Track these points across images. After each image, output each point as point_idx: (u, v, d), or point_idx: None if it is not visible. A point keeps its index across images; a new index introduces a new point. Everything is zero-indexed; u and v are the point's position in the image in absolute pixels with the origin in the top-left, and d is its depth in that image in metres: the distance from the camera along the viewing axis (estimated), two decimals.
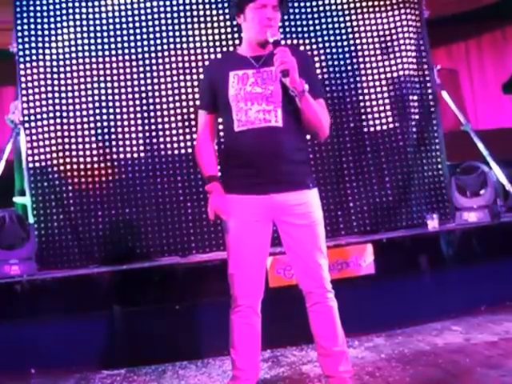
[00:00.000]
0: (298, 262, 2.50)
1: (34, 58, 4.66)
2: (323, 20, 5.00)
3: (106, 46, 4.73)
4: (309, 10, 4.99)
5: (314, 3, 5.00)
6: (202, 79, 2.78)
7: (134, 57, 4.76)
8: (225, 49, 4.79)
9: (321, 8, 5.01)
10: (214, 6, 4.85)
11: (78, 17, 4.72)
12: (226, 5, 4.78)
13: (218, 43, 4.83)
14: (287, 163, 2.44)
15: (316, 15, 4.99)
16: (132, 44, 4.77)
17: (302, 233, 2.46)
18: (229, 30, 4.84)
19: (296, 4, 4.98)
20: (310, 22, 4.99)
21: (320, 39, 4.98)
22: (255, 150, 2.42)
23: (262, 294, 2.53)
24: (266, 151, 2.41)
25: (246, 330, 2.51)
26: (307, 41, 4.96)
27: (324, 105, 2.56)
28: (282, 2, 2.49)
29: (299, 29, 4.98)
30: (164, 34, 4.81)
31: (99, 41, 4.73)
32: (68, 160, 4.59)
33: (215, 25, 4.85)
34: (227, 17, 4.79)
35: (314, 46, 4.97)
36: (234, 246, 2.49)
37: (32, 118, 4.63)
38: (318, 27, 4.99)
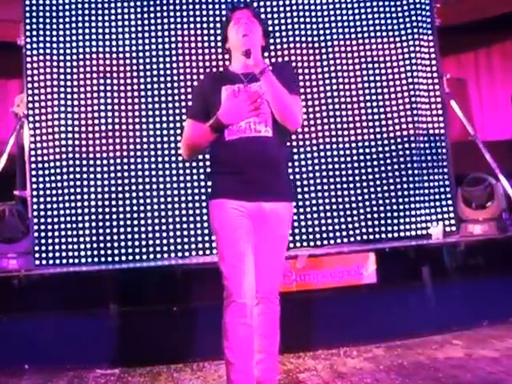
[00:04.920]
0: (262, 267, 2.54)
1: (41, 51, 4.63)
2: (333, 24, 4.95)
3: (114, 42, 4.71)
4: (319, 13, 4.97)
5: (327, 6, 4.97)
6: (195, 90, 2.90)
7: (141, 54, 4.73)
8: None
9: (331, 12, 4.97)
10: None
11: (86, 12, 4.70)
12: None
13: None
14: (276, 173, 2.54)
15: (327, 18, 4.95)
16: (140, 41, 4.74)
17: (275, 242, 2.57)
18: None
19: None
20: (320, 28, 4.95)
21: (329, 43, 4.93)
22: (245, 158, 2.48)
23: (255, 291, 2.49)
24: (256, 160, 2.48)
25: (243, 331, 2.45)
26: (316, 44, 4.91)
27: (297, 98, 2.60)
28: (255, 12, 2.65)
29: (309, 33, 4.94)
30: (172, 33, 4.77)
31: (107, 36, 4.71)
32: (70, 155, 4.56)
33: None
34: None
35: (323, 50, 4.91)
36: (224, 239, 2.50)
37: (36, 111, 4.60)
38: (328, 31, 4.94)
